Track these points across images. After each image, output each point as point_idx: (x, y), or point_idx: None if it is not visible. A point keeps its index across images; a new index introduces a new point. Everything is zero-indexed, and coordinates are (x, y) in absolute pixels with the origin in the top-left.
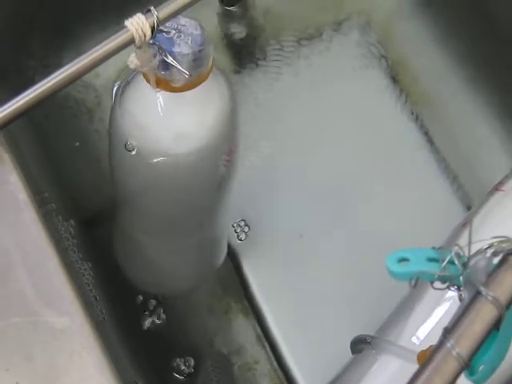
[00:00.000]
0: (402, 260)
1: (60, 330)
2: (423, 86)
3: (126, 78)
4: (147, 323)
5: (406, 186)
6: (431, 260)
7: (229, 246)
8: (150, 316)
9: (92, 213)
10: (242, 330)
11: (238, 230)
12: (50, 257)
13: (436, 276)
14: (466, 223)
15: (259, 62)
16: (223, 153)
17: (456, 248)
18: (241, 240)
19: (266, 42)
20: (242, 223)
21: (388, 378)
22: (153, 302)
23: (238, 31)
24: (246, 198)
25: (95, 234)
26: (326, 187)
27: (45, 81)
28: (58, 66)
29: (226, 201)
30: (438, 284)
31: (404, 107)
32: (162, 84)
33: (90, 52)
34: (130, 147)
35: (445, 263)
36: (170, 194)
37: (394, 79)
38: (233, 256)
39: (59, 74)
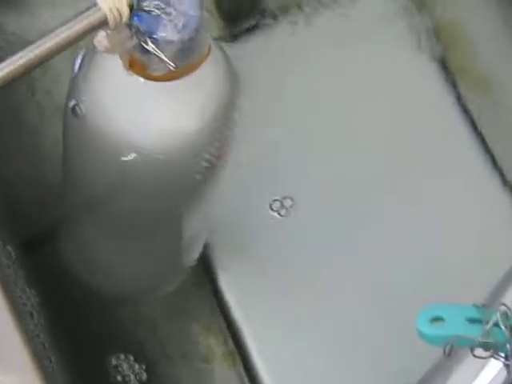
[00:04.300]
0: (436, 319)
1: None
2: (479, 65)
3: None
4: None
5: (441, 191)
6: (471, 321)
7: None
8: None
9: (36, 230)
10: (227, 382)
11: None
12: None
13: (477, 342)
14: None
15: (256, 28)
16: (202, 158)
17: (503, 307)
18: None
19: (265, 4)
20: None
21: None
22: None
23: None
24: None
25: (39, 259)
26: (337, 183)
27: None
28: None
29: (198, 210)
30: (479, 351)
31: (450, 91)
32: (137, 68)
33: (52, 35)
34: (79, 112)
35: (489, 326)
36: (123, 195)
37: (439, 52)
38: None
39: (16, 61)
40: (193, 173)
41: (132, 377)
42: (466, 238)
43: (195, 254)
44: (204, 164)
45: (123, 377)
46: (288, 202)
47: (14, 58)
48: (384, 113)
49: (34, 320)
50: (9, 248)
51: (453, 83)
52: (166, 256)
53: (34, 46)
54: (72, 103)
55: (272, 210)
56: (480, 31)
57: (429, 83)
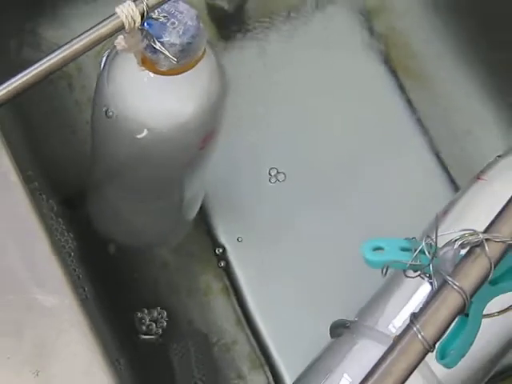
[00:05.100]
0: (377, 248)
1: (49, 308)
2: (417, 63)
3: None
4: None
5: (392, 167)
6: (404, 249)
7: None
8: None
9: (73, 191)
10: (222, 310)
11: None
12: (40, 237)
13: (408, 265)
14: (446, 211)
15: (245, 34)
16: (198, 138)
17: (428, 239)
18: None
19: (252, 12)
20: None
21: (367, 361)
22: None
23: (223, 1)
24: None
25: (77, 213)
26: (310, 165)
27: (34, 66)
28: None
29: (195, 178)
30: (410, 272)
31: (392, 82)
32: (148, 64)
33: (80, 38)
34: (110, 114)
35: (416, 253)
36: (137, 166)
37: (384, 53)
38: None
39: (48, 60)
40: (191, 147)
41: (156, 312)
42: (406, 199)
43: (194, 211)
44: (200, 140)
45: (149, 312)
46: (281, 175)
47: (52, 55)
48: (345, 104)
49: (71, 258)
50: (51, 202)
51: (396, 78)
52: (171, 213)
53: (67, 45)
54: (104, 108)
55: (269, 180)
56: (417, 36)
57: (376, 80)
